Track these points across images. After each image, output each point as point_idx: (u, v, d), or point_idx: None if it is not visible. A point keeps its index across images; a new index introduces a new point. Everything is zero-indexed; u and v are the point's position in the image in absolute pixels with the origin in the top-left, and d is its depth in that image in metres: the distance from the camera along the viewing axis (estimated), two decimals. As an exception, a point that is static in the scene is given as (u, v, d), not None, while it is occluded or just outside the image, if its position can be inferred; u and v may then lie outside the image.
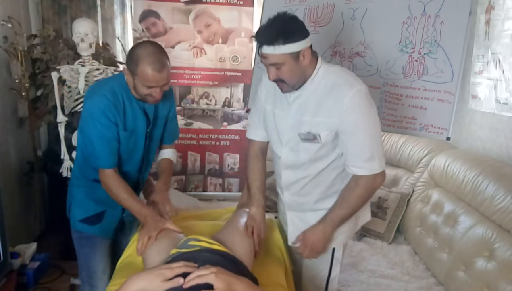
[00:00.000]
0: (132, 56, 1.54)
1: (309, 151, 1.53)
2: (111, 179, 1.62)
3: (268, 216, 2.06)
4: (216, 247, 1.43)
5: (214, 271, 1.15)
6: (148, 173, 1.92)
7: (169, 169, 1.88)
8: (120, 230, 1.87)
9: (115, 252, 1.85)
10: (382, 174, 1.51)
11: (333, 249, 1.67)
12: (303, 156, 1.55)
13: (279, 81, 1.47)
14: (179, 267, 1.20)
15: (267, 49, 1.40)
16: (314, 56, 1.50)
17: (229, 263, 1.32)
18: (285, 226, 1.78)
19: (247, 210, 1.73)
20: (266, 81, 1.58)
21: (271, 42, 1.38)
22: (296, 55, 1.41)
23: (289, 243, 1.73)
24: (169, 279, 1.16)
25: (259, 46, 1.42)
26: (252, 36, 1.48)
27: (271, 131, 1.64)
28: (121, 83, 1.63)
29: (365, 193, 1.52)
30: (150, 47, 1.55)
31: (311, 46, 1.46)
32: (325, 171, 1.56)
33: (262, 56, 1.43)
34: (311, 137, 1.50)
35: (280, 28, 1.38)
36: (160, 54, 1.54)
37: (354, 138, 1.45)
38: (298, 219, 1.68)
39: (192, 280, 1.14)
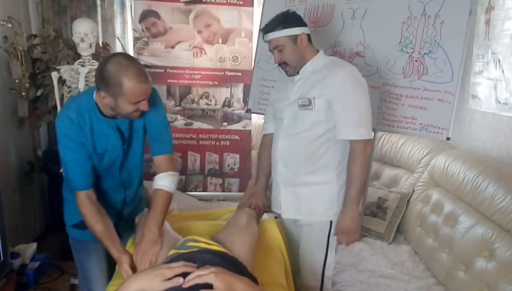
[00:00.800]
0: (108, 77, 1.37)
1: (305, 119, 1.72)
2: (84, 205, 1.51)
3: (268, 216, 2.06)
4: (215, 247, 1.42)
5: (213, 271, 1.15)
6: (137, 187, 1.75)
7: (162, 204, 1.57)
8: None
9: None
10: (371, 142, 1.73)
11: (328, 236, 1.79)
12: (300, 124, 1.74)
13: (282, 64, 1.75)
14: (179, 267, 1.20)
15: (270, 35, 1.71)
16: (316, 49, 1.77)
17: (228, 264, 1.31)
18: (277, 207, 1.89)
19: (247, 209, 1.86)
20: (280, 78, 1.93)
21: (273, 28, 1.70)
22: (294, 38, 1.70)
23: (283, 215, 1.88)
24: (169, 279, 1.16)
25: (264, 35, 1.74)
26: (260, 29, 1.78)
27: (277, 113, 1.85)
28: (89, 101, 1.49)
29: (362, 159, 1.68)
30: (123, 60, 1.38)
31: (309, 36, 1.74)
32: (318, 141, 1.73)
33: (268, 43, 1.74)
34: (306, 103, 1.70)
35: (281, 18, 1.71)
36: (136, 63, 1.41)
37: (345, 107, 1.66)
38: (292, 194, 1.82)
39: (191, 280, 1.14)
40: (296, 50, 1.71)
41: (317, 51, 1.77)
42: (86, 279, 1.75)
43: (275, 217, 2.01)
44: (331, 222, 1.79)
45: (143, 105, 1.44)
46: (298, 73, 1.76)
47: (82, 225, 1.64)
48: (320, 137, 1.73)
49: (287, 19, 1.71)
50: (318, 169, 1.76)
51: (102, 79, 1.39)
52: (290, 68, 1.75)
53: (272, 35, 1.71)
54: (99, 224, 1.51)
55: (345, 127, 1.67)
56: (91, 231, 1.53)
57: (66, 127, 1.47)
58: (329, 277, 1.84)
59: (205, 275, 1.14)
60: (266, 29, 1.73)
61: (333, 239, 1.81)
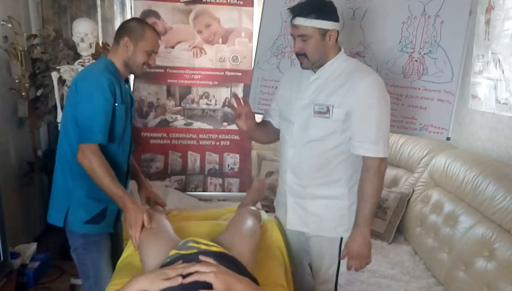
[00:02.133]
0: (133, 27, 1.72)
1: (319, 127, 1.59)
2: (98, 156, 1.59)
3: (268, 215, 2.06)
4: (215, 248, 1.43)
5: (214, 271, 1.15)
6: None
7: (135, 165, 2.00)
8: (117, 221, 1.86)
9: (113, 247, 1.85)
10: (385, 160, 1.58)
11: (340, 243, 1.69)
12: (312, 132, 1.60)
13: (301, 54, 1.58)
14: (183, 267, 1.20)
15: (299, 20, 1.53)
16: (338, 47, 1.63)
17: (228, 263, 1.32)
18: (282, 214, 1.81)
19: (249, 208, 1.84)
20: (289, 72, 1.81)
21: (305, 14, 1.51)
22: (323, 33, 1.54)
23: (288, 226, 1.77)
24: (169, 279, 1.17)
25: (292, 17, 1.55)
26: (288, 9, 1.56)
27: (285, 113, 1.72)
28: (109, 63, 1.73)
29: (376, 178, 1.56)
30: (142, 19, 1.90)
31: (338, 33, 1.59)
32: (331, 152, 1.61)
33: (293, 27, 1.56)
34: (323, 111, 1.57)
35: (316, 5, 1.53)
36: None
37: (364, 120, 1.53)
38: (298, 206, 1.71)
39: (191, 276, 1.14)
40: (321, 45, 1.55)
41: (339, 49, 1.63)
42: (98, 279, 1.74)
43: (275, 217, 2.01)
44: (341, 238, 1.69)
45: (153, 59, 1.77)
46: (315, 72, 1.63)
47: (96, 219, 1.72)
48: (334, 148, 1.60)
49: (323, 9, 1.53)
50: (329, 182, 1.63)
51: (127, 28, 1.73)
52: (308, 62, 1.58)
53: (301, 21, 1.52)
54: (111, 175, 1.61)
55: (362, 143, 1.54)
56: (103, 184, 1.59)
57: (107, 79, 1.63)
58: (342, 285, 1.77)
59: (205, 273, 1.14)
60: (296, 12, 1.53)
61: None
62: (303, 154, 1.64)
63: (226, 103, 3.27)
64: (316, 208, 1.67)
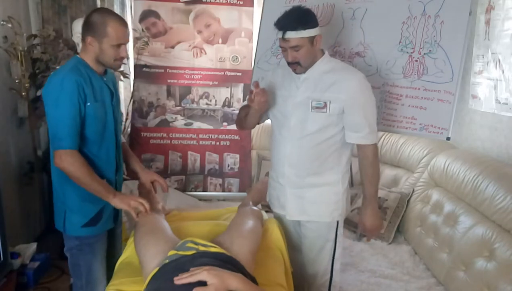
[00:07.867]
0: (94, 22, 1.60)
1: (316, 121, 1.73)
2: (81, 162, 1.58)
3: (268, 216, 2.06)
4: (213, 249, 1.43)
5: (205, 269, 1.20)
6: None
7: (129, 149, 1.97)
8: (117, 217, 1.85)
9: (112, 247, 1.85)
10: (377, 145, 1.78)
11: (336, 227, 1.82)
12: (310, 125, 1.73)
13: (294, 63, 1.70)
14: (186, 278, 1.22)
15: (290, 34, 1.64)
16: (321, 49, 1.77)
17: (226, 264, 1.33)
18: (278, 207, 1.90)
19: (251, 208, 1.90)
20: (277, 71, 1.89)
21: (294, 27, 1.63)
22: (311, 40, 1.67)
23: (288, 217, 1.87)
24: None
25: (283, 32, 1.65)
26: (275, 24, 1.68)
27: (277, 111, 1.84)
28: (79, 62, 1.65)
29: (374, 159, 1.75)
30: (106, 9, 1.75)
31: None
32: (326, 143, 1.75)
33: (284, 41, 1.66)
34: (321, 106, 1.71)
35: (301, 17, 1.66)
36: (117, 14, 1.72)
37: (359, 114, 1.70)
38: (296, 196, 1.82)
39: (184, 278, 1.19)
40: (311, 51, 1.69)
41: (323, 51, 1.77)
42: (89, 281, 1.74)
43: (275, 217, 2.01)
44: (337, 222, 1.81)
45: (123, 50, 1.65)
46: (304, 72, 1.74)
47: (93, 221, 1.70)
48: (329, 139, 1.74)
49: (307, 19, 1.66)
50: (325, 170, 1.77)
51: (89, 25, 1.62)
52: (301, 68, 1.72)
53: (292, 35, 1.64)
54: (92, 173, 1.60)
55: (358, 133, 1.71)
56: (86, 183, 1.59)
57: (71, 81, 1.57)
58: (337, 270, 1.87)
59: (198, 273, 1.19)
60: (286, 27, 1.64)
61: (340, 233, 1.83)
62: (300, 146, 1.76)
63: (226, 103, 3.28)
64: (314, 195, 1.79)
